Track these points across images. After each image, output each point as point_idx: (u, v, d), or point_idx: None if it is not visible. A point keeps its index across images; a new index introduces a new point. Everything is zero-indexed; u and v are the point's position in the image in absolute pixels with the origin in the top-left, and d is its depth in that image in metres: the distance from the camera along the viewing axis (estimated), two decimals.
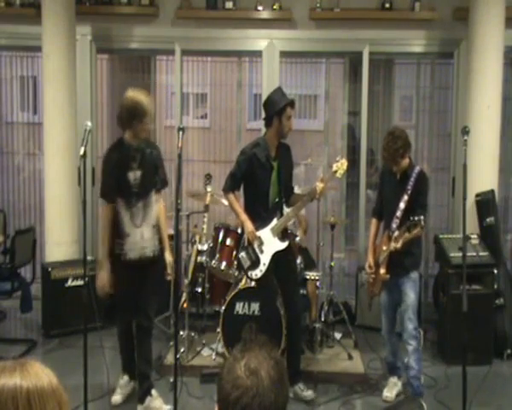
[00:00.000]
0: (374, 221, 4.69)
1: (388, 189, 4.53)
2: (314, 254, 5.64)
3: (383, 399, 4.56)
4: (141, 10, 6.45)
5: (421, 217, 4.12)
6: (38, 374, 1.23)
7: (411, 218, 4.15)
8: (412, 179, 4.31)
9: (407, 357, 4.42)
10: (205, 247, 5.45)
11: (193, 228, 5.52)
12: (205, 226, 5.47)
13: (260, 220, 4.53)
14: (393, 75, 6.94)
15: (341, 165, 4.48)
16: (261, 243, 4.50)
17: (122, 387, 4.50)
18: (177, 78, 6.58)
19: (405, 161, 4.37)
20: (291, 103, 4.45)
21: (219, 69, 7.14)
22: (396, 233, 4.26)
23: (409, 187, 4.29)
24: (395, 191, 4.39)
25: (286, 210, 4.68)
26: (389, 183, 4.53)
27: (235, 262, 5.10)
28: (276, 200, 4.55)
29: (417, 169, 4.37)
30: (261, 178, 4.50)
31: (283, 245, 4.53)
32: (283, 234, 4.58)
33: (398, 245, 4.22)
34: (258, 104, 7.35)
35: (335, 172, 4.49)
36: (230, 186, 4.58)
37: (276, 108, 4.42)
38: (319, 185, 4.45)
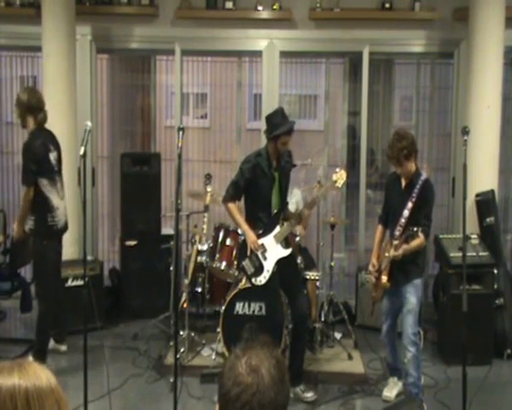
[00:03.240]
0: (379, 228, 4.66)
1: (394, 197, 4.51)
2: (314, 254, 5.64)
3: (383, 399, 4.56)
4: (141, 10, 6.45)
5: (418, 228, 4.13)
6: (37, 374, 1.23)
7: (410, 228, 4.16)
8: (417, 187, 4.28)
9: (406, 363, 4.40)
10: (205, 247, 5.45)
11: (193, 228, 5.52)
12: (205, 226, 5.46)
13: (263, 228, 4.56)
14: (393, 75, 6.94)
15: (341, 175, 4.55)
16: (265, 251, 4.53)
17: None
18: (177, 78, 6.58)
19: (411, 166, 4.34)
20: (287, 132, 4.46)
21: (219, 69, 7.14)
22: (396, 242, 4.26)
23: (413, 195, 4.27)
24: (400, 199, 4.37)
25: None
26: (394, 191, 4.51)
27: (235, 262, 5.11)
28: (278, 208, 4.60)
29: (423, 178, 4.34)
30: (264, 188, 4.54)
31: (287, 252, 4.56)
32: (286, 241, 4.61)
33: (398, 253, 4.22)
34: (258, 104, 7.35)
35: (335, 181, 4.55)
36: (232, 196, 4.58)
37: (272, 133, 4.45)
38: (305, 212, 4.60)
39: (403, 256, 4.25)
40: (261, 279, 4.53)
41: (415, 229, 4.14)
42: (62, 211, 4.89)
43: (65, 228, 4.97)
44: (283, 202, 4.65)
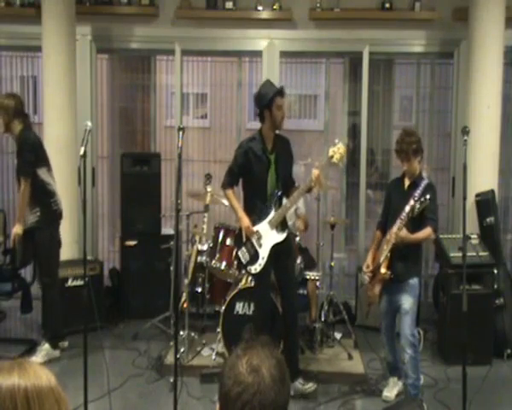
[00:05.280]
0: (377, 234, 4.63)
1: (395, 199, 4.49)
2: (314, 254, 5.64)
3: (383, 399, 4.56)
4: (141, 10, 6.45)
5: (428, 196, 4.10)
6: (37, 373, 1.23)
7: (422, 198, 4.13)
8: (420, 188, 4.28)
9: (405, 364, 4.40)
10: (205, 247, 5.45)
11: (193, 228, 5.52)
12: (205, 226, 5.46)
13: (258, 213, 4.52)
14: (393, 75, 6.94)
15: (338, 149, 4.30)
16: (259, 237, 4.50)
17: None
18: (177, 78, 6.58)
19: (417, 165, 4.33)
20: (279, 92, 4.39)
21: (219, 69, 7.14)
22: (399, 224, 4.21)
23: (416, 194, 4.26)
24: (402, 199, 4.35)
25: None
26: (396, 193, 4.49)
27: (236, 262, 5.10)
28: (275, 191, 4.52)
29: (426, 181, 4.34)
30: (258, 172, 4.49)
31: (281, 237, 4.50)
32: (282, 226, 4.55)
33: (404, 234, 4.17)
34: None
35: (331, 157, 4.33)
36: (228, 182, 4.60)
37: (264, 100, 4.39)
38: (314, 172, 4.32)
39: (407, 244, 4.22)
40: (256, 267, 4.50)
41: (422, 199, 4.12)
42: (59, 196, 5.15)
43: (62, 214, 5.20)
44: (280, 185, 4.52)
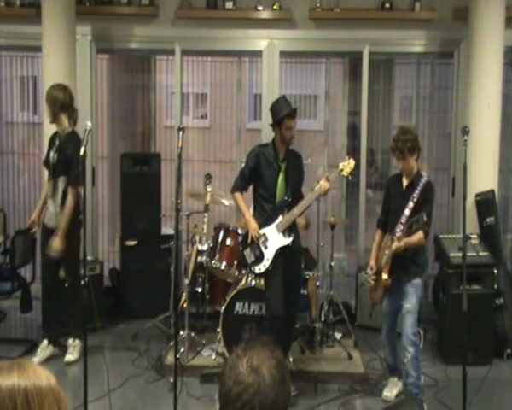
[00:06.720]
0: (378, 232, 4.65)
1: (395, 199, 4.50)
2: (314, 254, 5.64)
3: (383, 399, 4.56)
4: (141, 10, 6.45)
5: (423, 213, 4.10)
6: (36, 373, 1.23)
7: (414, 216, 4.14)
8: (419, 188, 4.28)
9: (406, 364, 4.39)
10: (205, 247, 5.45)
11: (193, 228, 5.52)
12: (205, 226, 5.47)
13: (266, 217, 4.60)
14: (393, 75, 6.94)
15: (348, 164, 4.52)
16: (266, 240, 4.57)
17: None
18: (177, 78, 6.58)
19: (413, 163, 4.33)
20: (290, 115, 4.50)
21: (219, 69, 7.14)
22: (398, 233, 4.24)
23: (415, 195, 4.27)
24: (401, 200, 4.36)
25: None
26: (395, 193, 4.50)
27: (236, 262, 5.12)
28: (285, 198, 4.59)
29: (424, 179, 4.34)
30: (268, 177, 4.59)
31: (287, 241, 4.58)
32: (290, 231, 4.60)
33: (401, 244, 4.20)
34: (258, 104, 7.35)
35: (341, 170, 4.54)
36: (237, 186, 4.72)
37: (275, 118, 4.54)
38: (324, 184, 4.48)
39: (404, 250, 4.23)
40: (260, 267, 4.58)
41: (418, 217, 4.11)
42: None
43: None
44: (289, 193, 4.60)
